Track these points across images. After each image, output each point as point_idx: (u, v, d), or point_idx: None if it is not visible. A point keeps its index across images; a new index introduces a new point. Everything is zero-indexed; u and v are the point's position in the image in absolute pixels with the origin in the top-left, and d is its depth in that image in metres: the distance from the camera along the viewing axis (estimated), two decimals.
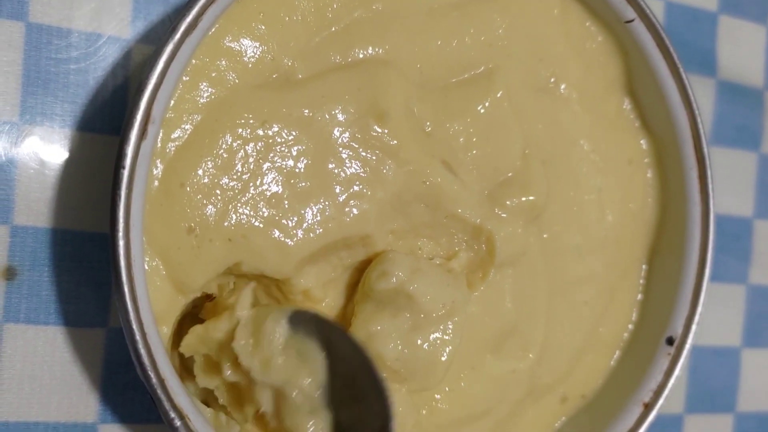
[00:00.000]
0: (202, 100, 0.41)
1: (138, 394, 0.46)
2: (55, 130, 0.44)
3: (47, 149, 0.44)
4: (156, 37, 0.46)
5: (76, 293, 0.45)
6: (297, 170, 0.42)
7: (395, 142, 0.44)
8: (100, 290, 0.45)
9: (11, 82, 0.43)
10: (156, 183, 0.40)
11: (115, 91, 0.45)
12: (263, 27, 0.42)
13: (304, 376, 0.41)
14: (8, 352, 0.44)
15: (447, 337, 0.44)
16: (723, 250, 0.61)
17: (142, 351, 0.38)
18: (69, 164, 0.44)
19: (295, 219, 0.42)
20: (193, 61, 0.41)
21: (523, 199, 0.48)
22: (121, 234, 0.38)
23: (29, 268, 0.44)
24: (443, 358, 0.44)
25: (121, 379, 0.46)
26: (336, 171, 0.43)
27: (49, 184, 0.44)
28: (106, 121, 0.45)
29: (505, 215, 0.47)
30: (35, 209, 0.44)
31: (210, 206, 0.41)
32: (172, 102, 0.40)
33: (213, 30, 0.41)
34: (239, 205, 0.41)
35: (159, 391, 0.39)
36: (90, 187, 0.45)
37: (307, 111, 0.42)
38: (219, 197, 0.41)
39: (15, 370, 0.44)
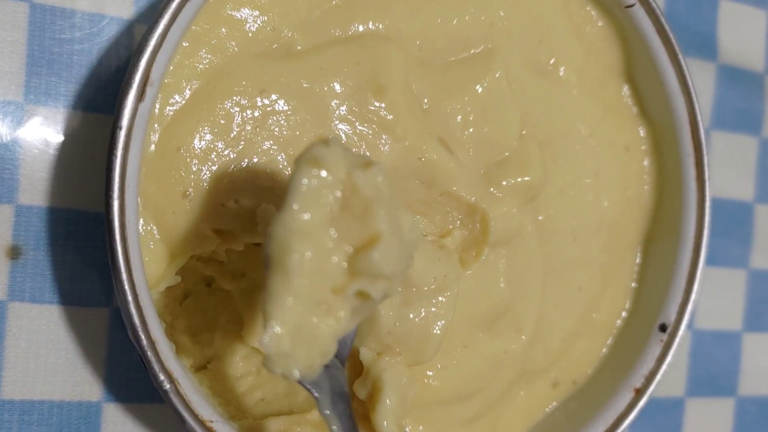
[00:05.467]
0: (201, 67, 0.41)
1: (142, 373, 0.46)
2: (59, 110, 0.44)
3: (51, 129, 0.44)
4: None
5: (81, 273, 0.45)
6: (293, 141, 0.43)
7: (392, 117, 0.44)
8: (104, 270, 0.45)
9: (15, 62, 0.44)
10: (153, 147, 0.41)
11: (118, 72, 0.45)
12: None
13: None
14: (13, 331, 0.44)
15: (440, 312, 0.44)
16: (724, 234, 0.61)
17: (134, 312, 0.38)
18: (73, 144, 0.45)
19: None
20: (194, 27, 0.41)
21: (519, 179, 0.48)
22: (116, 195, 0.38)
23: (34, 247, 0.44)
24: (436, 332, 0.44)
25: (125, 358, 0.46)
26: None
27: (53, 163, 0.44)
28: (110, 101, 0.45)
29: (500, 195, 0.47)
30: (39, 189, 0.44)
31: (205, 171, 0.41)
32: (171, 67, 0.41)
33: None
34: (235, 171, 0.41)
35: (149, 353, 0.39)
36: (94, 166, 0.45)
37: (305, 82, 0.43)
38: (215, 163, 0.41)
39: (20, 349, 0.44)
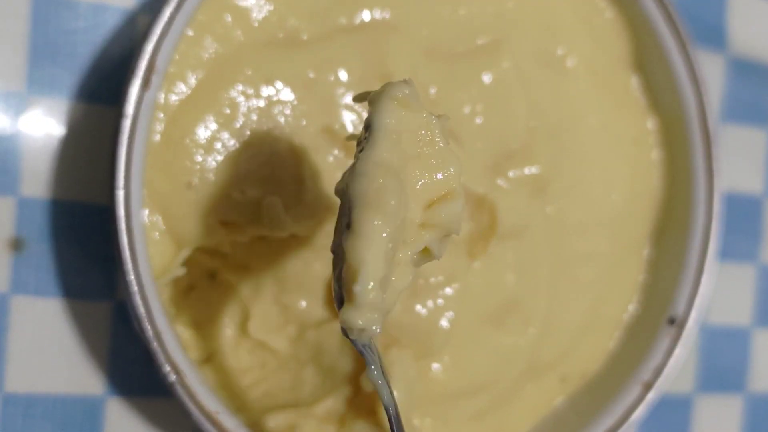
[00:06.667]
0: (206, 56, 0.42)
1: (146, 367, 0.46)
2: (62, 101, 0.44)
3: (54, 120, 0.44)
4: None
5: (84, 265, 0.45)
6: (299, 130, 0.43)
7: None
8: (107, 262, 0.45)
9: (18, 53, 0.43)
10: (158, 137, 0.41)
11: (121, 62, 0.45)
12: None
13: None
14: (16, 324, 0.44)
15: (447, 304, 0.44)
16: (733, 228, 0.60)
17: (139, 303, 0.39)
18: (76, 135, 0.45)
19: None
20: (199, 16, 0.41)
21: (527, 171, 0.48)
22: (121, 184, 0.38)
23: (37, 240, 0.44)
24: (443, 325, 0.44)
25: (128, 352, 0.46)
26: (338, 133, 0.43)
27: (57, 155, 0.44)
28: (114, 91, 0.45)
29: (508, 187, 0.47)
30: (42, 180, 0.44)
31: (210, 161, 0.41)
32: (177, 56, 0.41)
33: None
34: (240, 161, 0.42)
35: (154, 345, 0.39)
36: (98, 158, 0.45)
37: (311, 72, 0.43)
38: (220, 153, 0.41)
39: (23, 343, 0.44)
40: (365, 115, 0.43)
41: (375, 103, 0.33)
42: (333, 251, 0.34)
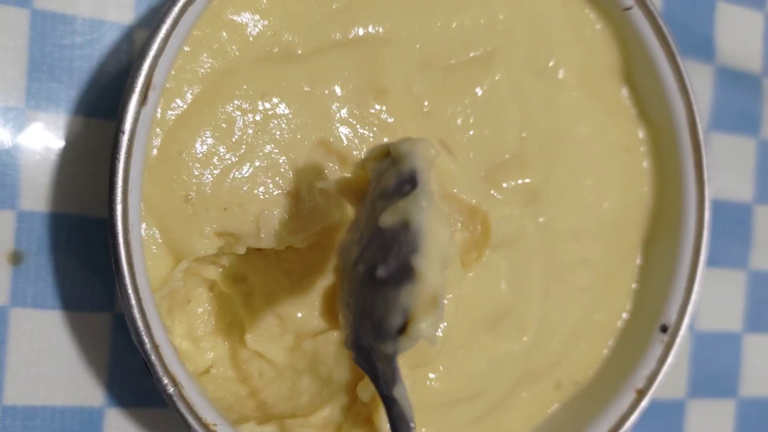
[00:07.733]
0: (202, 71, 0.42)
1: (144, 378, 0.46)
2: (61, 116, 0.45)
3: (53, 135, 0.44)
4: None
5: (83, 278, 0.45)
6: (295, 144, 0.43)
7: (393, 119, 0.44)
8: (106, 274, 0.45)
9: (17, 68, 0.44)
10: (155, 151, 0.41)
11: (119, 77, 0.45)
12: (265, 1, 0.43)
13: None
14: (15, 336, 0.44)
15: None
16: (723, 235, 0.61)
17: (137, 315, 0.39)
18: (74, 149, 0.45)
19: None
20: (195, 32, 0.41)
21: (520, 181, 0.48)
22: (119, 199, 0.38)
23: (36, 252, 0.44)
24: (437, 335, 0.44)
25: (127, 363, 0.46)
26: (333, 147, 0.43)
27: (55, 169, 0.44)
28: (111, 106, 0.45)
29: (501, 197, 0.47)
30: (41, 194, 0.44)
31: (207, 175, 0.41)
32: (173, 72, 0.41)
33: (215, 1, 0.42)
34: (236, 174, 0.42)
35: (153, 357, 0.39)
36: (96, 171, 0.45)
37: (306, 86, 0.43)
38: (217, 166, 0.41)
39: (22, 355, 0.44)
40: (360, 128, 0.44)
41: (415, 155, 0.37)
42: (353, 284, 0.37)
